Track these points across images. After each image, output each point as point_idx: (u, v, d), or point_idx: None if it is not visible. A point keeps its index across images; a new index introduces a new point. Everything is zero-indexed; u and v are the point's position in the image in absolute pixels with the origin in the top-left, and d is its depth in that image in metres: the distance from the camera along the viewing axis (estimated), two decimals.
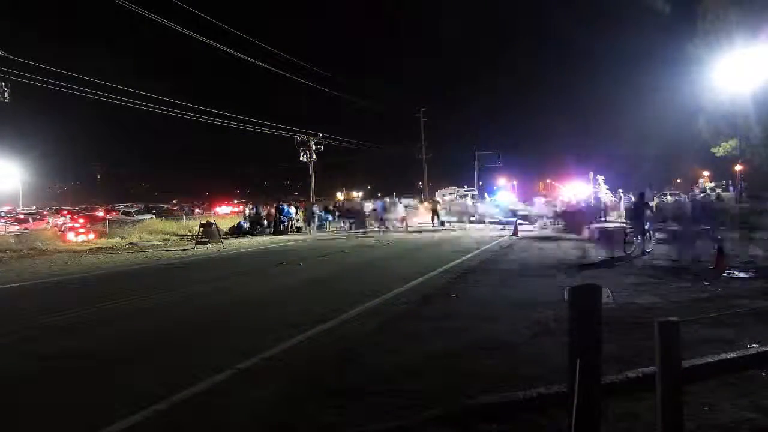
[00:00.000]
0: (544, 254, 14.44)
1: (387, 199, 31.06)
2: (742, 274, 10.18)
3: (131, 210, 38.10)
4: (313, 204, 30.85)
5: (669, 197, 29.76)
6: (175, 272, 13.55)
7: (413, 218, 29.83)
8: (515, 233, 20.45)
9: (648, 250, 13.66)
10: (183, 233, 25.76)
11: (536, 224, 24.82)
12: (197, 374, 5.16)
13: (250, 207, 33.29)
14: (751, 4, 28.64)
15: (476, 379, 4.81)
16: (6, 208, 41.85)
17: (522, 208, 29.83)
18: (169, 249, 19.68)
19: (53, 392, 5.02)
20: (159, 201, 65.89)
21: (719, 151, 34.73)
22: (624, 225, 19.86)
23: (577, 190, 34.09)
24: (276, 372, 5.30)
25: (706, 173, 59.09)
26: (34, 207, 50.13)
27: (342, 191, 72.09)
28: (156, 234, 25.26)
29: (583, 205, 25.49)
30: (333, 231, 28.07)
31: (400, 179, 78.01)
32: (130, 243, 22.00)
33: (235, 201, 67.31)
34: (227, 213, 46.47)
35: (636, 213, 15.01)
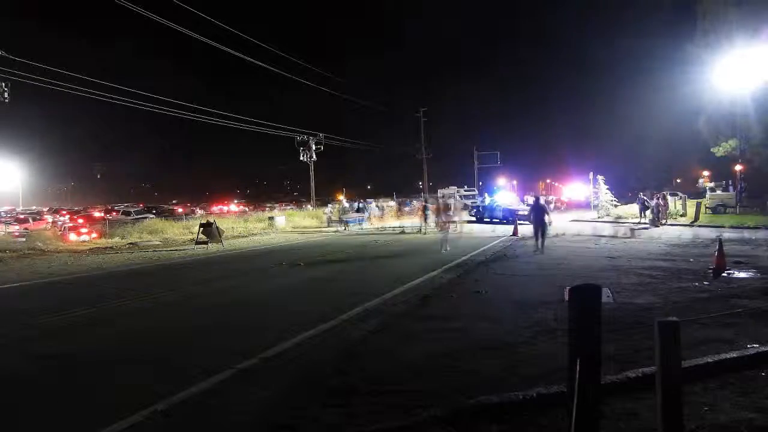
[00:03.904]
0: (545, 253, 14.43)
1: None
2: (742, 274, 10.19)
3: (131, 210, 38.06)
4: None
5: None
6: (175, 272, 13.54)
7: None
8: (515, 233, 20.44)
9: None
10: (183, 233, 25.75)
11: None
12: (197, 374, 5.16)
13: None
14: (751, 4, 28.60)
15: (476, 379, 4.81)
16: (6, 208, 41.88)
17: (522, 208, 29.85)
18: (169, 249, 19.67)
19: (53, 392, 5.02)
20: (159, 201, 65.95)
21: (719, 151, 34.69)
22: None
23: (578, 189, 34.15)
24: (276, 372, 5.30)
25: (706, 173, 59.17)
26: (34, 207, 50.21)
27: (342, 191, 72.14)
28: (156, 234, 25.24)
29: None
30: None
31: (401, 179, 78.12)
32: (130, 243, 21.99)
33: (236, 201, 67.36)
34: (225, 212, 46.60)
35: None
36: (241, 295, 9.77)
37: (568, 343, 3.06)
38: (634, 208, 29.36)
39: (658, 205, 24.65)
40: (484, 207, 32.44)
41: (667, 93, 38.94)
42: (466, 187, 61.97)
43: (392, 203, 38.65)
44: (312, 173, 40.55)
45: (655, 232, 21.18)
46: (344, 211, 31.13)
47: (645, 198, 26.03)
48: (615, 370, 4.61)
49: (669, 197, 30.20)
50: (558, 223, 26.74)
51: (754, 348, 5.37)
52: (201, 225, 20.87)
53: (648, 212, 25.20)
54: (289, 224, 32.31)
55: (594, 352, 2.97)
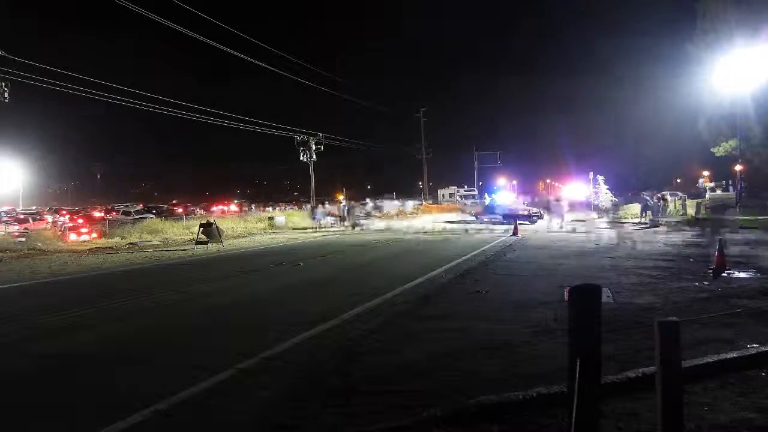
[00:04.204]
0: (545, 253, 14.43)
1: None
2: (742, 274, 10.19)
3: (131, 210, 38.07)
4: None
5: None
6: (175, 272, 13.54)
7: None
8: (515, 233, 20.44)
9: None
10: (183, 233, 25.75)
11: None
12: (197, 374, 5.16)
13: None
14: (751, 4, 28.61)
15: (476, 379, 4.81)
16: (6, 208, 41.85)
17: (522, 208, 29.88)
18: (169, 249, 19.67)
19: (53, 392, 5.02)
20: (159, 201, 65.92)
21: (719, 151, 34.72)
22: None
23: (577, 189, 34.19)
24: (276, 372, 5.30)
25: (706, 173, 59.23)
26: (34, 207, 50.20)
27: (342, 191, 72.16)
28: (156, 234, 25.24)
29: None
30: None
31: (401, 179, 78.19)
32: (130, 243, 21.99)
33: (236, 201, 67.38)
34: (225, 212, 46.66)
35: None
36: (241, 295, 9.77)
37: (568, 343, 3.06)
38: (634, 208, 29.39)
39: (657, 204, 24.70)
40: (484, 207, 32.48)
41: (667, 93, 39.04)
42: (466, 187, 62.02)
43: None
44: (312, 173, 40.52)
45: (655, 232, 21.17)
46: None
47: (647, 198, 26.02)
48: (615, 370, 4.61)
49: (669, 197, 30.26)
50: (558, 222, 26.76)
51: (754, 348, 5.37)
52: (201, 225, 20.86)
53: (648, 212, 25.23)
54: (289, 224, 32.33)
55: (594, 352, 2.97)
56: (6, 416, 4.49)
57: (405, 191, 62.46)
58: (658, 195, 25.99)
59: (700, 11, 32.36)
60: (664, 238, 18.08)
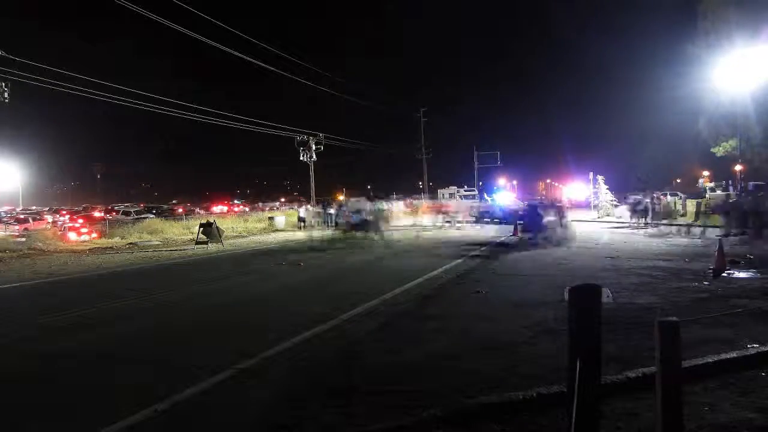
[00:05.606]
0: (545, 252, 14.43)
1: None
2: (742, 274, 10.19)
3: (131, 210, 38.11)
4: None
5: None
6: (175, 272, 13.54)
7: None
8: (515, 233, 20.44)
9: None
10: (183, 233, 25.75)
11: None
12: (197, 374, 5.16)
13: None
14: (751, 4, 28.59)
15: (476, 379, 4.81)
16: (6, 208, 41.89)
17: (523, 208, 29.83)
18: (169, 249, 19.66)
19: (53, 392, 5.02)
20: (159, 201, 65.96)
21: (719, 151, 34.68)
22: None
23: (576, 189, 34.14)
24: (276, 372, 5.30)
25: (706, 173, 59.19)
26: (34, 207, 50.21)
27: (342, 191, 72.14)
28: (156, 234, 25.24)
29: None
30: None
31: (401, 179, 78.15)
32: (130, 243, 21.98)
33: (236, 201, 67.42)
34: (225, 212, 46.70)
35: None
36: (241, 295, 9.77)
37: (568, 343, 3.06)
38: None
39: (652, 204, 24.62)
40: (484, 207, 32.48)
41: (667, 93, 38.99)
42: (466, 187, 61.98)
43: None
44: (312, 173, 40.48)
45: (655, 232, 21.17)
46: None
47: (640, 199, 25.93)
48: (615, 370, 4.61)
49: (669, 197, 30.23)
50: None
51: (754, 348, 5.37)
52: (201, 225, 20.87)
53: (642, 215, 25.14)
54: (289, 224, 32.31)
55: (594, 352, 2.96)
56: (6, 416, 4.49)
57: (405, 191, 62.36)
58: (655, 196, 25.83)
59: (701, 11, 32.35)
60: (663, 238, 18.07)
